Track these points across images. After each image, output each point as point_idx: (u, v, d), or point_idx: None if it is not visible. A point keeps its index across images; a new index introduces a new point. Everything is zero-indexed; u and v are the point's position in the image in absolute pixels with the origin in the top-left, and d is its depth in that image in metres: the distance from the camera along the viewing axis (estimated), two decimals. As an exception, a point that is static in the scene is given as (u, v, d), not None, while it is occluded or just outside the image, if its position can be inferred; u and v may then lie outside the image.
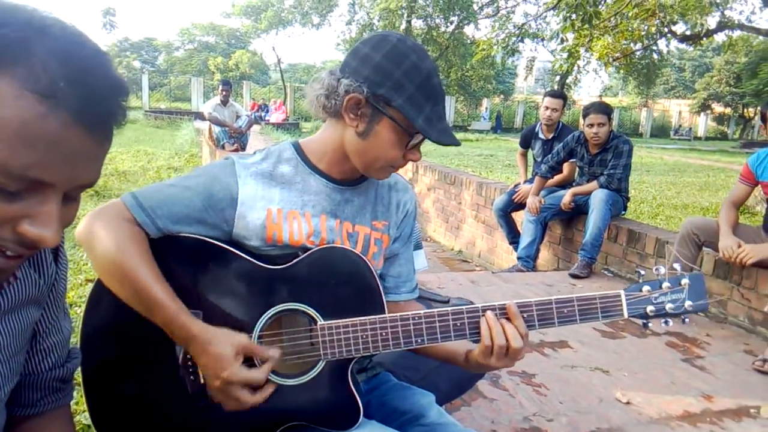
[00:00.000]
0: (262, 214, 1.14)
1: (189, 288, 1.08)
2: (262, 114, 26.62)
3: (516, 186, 4.93)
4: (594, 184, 4.17)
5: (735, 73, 31.94)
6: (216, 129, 8.39)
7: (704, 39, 8.60)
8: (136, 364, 1.12)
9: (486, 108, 35.30)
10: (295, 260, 1.12)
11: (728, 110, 36.39)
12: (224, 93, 8.18)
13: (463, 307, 1.11)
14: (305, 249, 1.15)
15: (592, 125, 4.09)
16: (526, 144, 5.16)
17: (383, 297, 1.13)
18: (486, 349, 1.09)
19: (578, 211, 4.29)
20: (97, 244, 1.03)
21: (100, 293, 1.09)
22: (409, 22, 31.60)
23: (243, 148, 8.49)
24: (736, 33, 8.78)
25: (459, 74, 33.30)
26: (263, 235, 1.14)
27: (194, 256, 1.12)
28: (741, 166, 3.26)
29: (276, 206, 1.15)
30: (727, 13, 7.89)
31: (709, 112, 36.97)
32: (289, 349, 1.11)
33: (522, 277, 4.16)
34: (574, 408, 2.25)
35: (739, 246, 2.92)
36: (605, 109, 4.15)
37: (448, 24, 31.93)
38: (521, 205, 4.64)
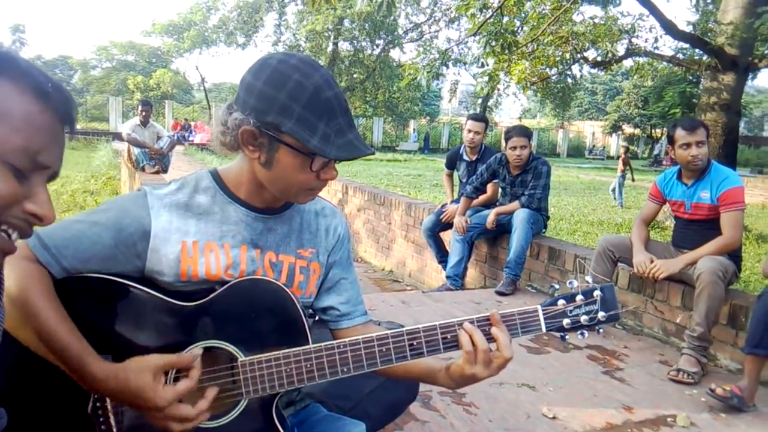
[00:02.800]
0: (176, 247, 1.09)
1: (97, 331, 1.01)
2: (185, 134, 25.91)
3: (443, 206, 5.02)
4: (516, 203, 4.31)
5: (642, 96, 34.16)
6: (135, 150, 8.06)
7: (614, 64, 9.15)
8: (48, 422, 1.02)
9: (414, 129, 35.99)
10: (211, 295, 1.07)
11: (637, 131, 38.81)
12: (144, 113, 7.88)
13: (388, 331, 1.10)
14: (223, 282, 1.10)
15: (514, 148, 4.24)
16: (451, 165, 5.27)
17: (307, 327, 1.10)
18: (469, 356, 1.08)
19: (502, 230, 4.41)
20: None
21: (4, 344, 0.99)
22: (336, 44, 31.91)
23: (165, 171, 8.19)
24: (643, 59, 9.40)
25: (386, 96, 33.85)
26: (177, 270, 1.08)
27: (101, 296, 1.05)
28: (650, 184, 3.46)
29: (191, 238, 1.10)
30: (635, 40, 8.43)
31: (620, 132, 39.28)
32: (209, 388, 1.05)
33: (451, 296, 4.22)
34: (503, 426, 2.28)
35: (651, 261, 3.08)
36: (526, 132, 4.32)
37: (375, 47, 32.51)
38: (449, 225, 4.72)
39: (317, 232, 1.24)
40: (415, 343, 1.09)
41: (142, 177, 7.42)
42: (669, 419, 2.40)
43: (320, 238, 1.24)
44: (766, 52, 7.46)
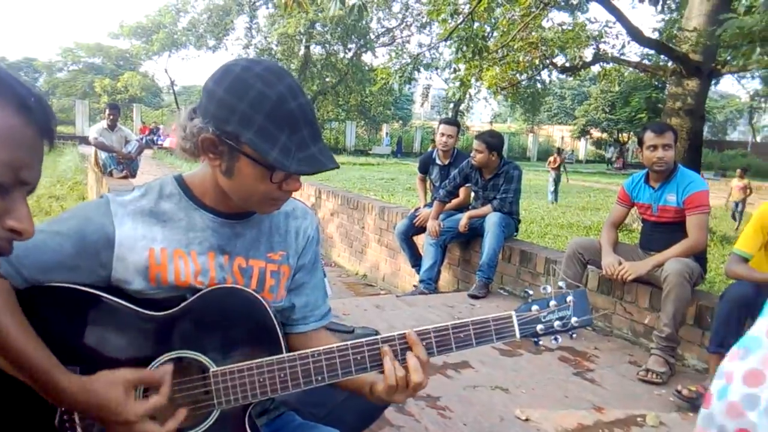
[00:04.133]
0: (143, 255, 1.06)
1: (64, 342, 0.98)
2: (154, 138, 25.51)
3: (416, 210, 5.04)
4: (488, 207, 4.36)
5: (610, 101, 34.84)
6: (102, 155, 7.89)
7: (582, 70, 9.33)
8: None
9: (386, 133, 36.07)
10: (182, 304, 1.05)
11: (605, 135, 39.57)
12: (111, 117, 7.72)
13: (363, 339, 1.09)
14: (194, 289, 1.08)
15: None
16: (424, 170, 5.30)
17: (281, 336, 1.09)
18: (390, 388, 1.07)
19: (474, 233, 4.44)
20: None
21: None
22: (307, 47, 31.80)
23: (133, 175, 8.04)
24: (610, 65, 9.60)
25: (359, 100, 33.87)
26: (146, 276, 1.06)
27: (68, 306, 1.01)
28: (618, 187, 3.53)
29: (159, 245, 1.08)
30: (602, 46, 8.62)
31: (588, 137, 40.01)
32: (180, 401, 1.03)
33: (425, 299, 4.23)
34: (477, 429, 2.29)
35: (620, 263, 3.14)
36: (484, 138, 4.37)
37: (347, 51, 32.50)
38: (422, 229, 4.74)
39: (287, 235, 1.22)
40: (389, 351, 1.08)
41: (109, 182, 7.27)
42: (639, 419, 2.45)
43: (290, 240, 1.23)
44: (728, 58, 7.69)
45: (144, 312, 1.03)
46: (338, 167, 1.08)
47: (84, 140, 18.62)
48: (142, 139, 9.64)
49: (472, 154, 4.39)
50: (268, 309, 1.08)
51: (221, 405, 1.03)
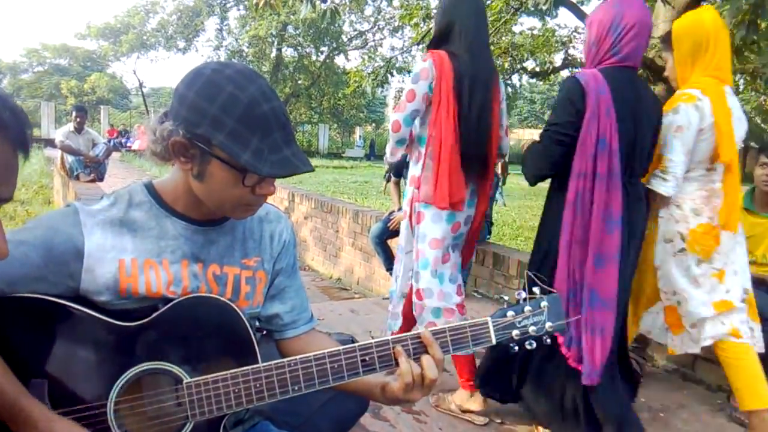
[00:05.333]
0: (113, 266, 1.03)
1: (31, 355, 0.95)
2: (123, 141, 25.06)
3: (391, 213, 5.03)
4: (463, 210, 4.37)
5: (578, 106, 35.44)
6: (69, 158, 7.71)
7: (552, 75, 9.47)
8: None
9: (360, 136, 36.04)
10: (154, 314, 1.03)
11: (574, 139, 40.20)
12: (79, 119, 7.55)
13: (340, 348, 1.08)
14: (166, 300, 1.06)
15: None
16: (398, 173, 5.30)
17: (256, 344, 1.07)
18: (407, 386, 1.07)
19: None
20: None
21: None
22: (279, 50, 31.62)
23: (101, 179, 7.88)
24: (579, 69, 9.78)
25: (332, 102, 33.78)
26: (116, 288, 1.03)
27: (34, 317, 0.98)
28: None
29: (129, 256, 1.05)
30: (571, 52, 8.76)
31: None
32: (153, 413, 1.01)
33: (398, 303, 4.22)
34: (452, 433, 2.30)
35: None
36: None
37: (319, 53, 32.39)
38: (396, 232, 4.73)
39: (261, 239, 1.21)
40: (367, 359, 1.07)
41: (76, 186, 7.11)
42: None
43: (265, 245, 1.21)
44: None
45: (114, 323, 1.00)
46: (312, 170, 1.07)
47: (50, 143, 18.16)
48: (109, 141, 9.45)
49: None
50: (243, 317, 1.07)
51: (195, 417, 1.01)
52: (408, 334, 1.10)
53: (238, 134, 0.96)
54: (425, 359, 1.07)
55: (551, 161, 2.12)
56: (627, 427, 2.06)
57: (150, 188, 1.12)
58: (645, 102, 2.11)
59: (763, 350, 2.32)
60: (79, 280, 1.02)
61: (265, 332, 1.32)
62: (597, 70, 2.07)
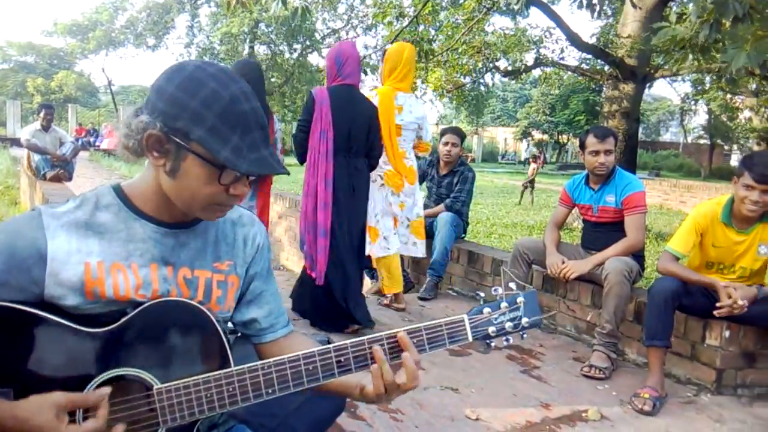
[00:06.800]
0: (78, 269, 1.01)
1: None
2: (91, 140, 24.54)
3: (365, 212, 5.04)
4: (441, 206, 4.48)
5: (550, 104, 35.87)
6: (36, 157, 7.52)
7: (524, 74, 9.57)
8: None
9: (333, 134, 35.83)
10: (122, 319, 1.00)
11: (546, 137, 40.72)
12: (47, 117, 7.38)
13: (315, 350, 1.07)
14: (135, 304, 1.03)
15: (447, 143, 4.55)
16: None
17: (228, 349, 1.06)
18: (380, 395, 1.08)
19: (426, 233, 4.48)
20: None
21: None
22: (252, 47, 31.29)
23: (69, 178, 7.70)
24: (550, 69, 9.88)
25: (305, 101, 33.56)
26: (82, 291, 1.01)
27: None
28: (559, 187, 3.64)
29: (95, 259, 1.02)
30: (542, 51, 8.86)
31: (530, 138, 41.09)
32: (123, 420, 0.98)
33: (375, 301, 4.22)
34: (428, 430, 2.30)
35: (563, 262, 3.23)
36: (459, 132, 4.66)
37: (293, 51, 32.15)
38: (370, 232, 4.75)
39: (234, 243, 1.19)
40: (342, 360, 1.06)
41: (43, 186, 6.93)
42: (583, 414, 2.52)
43: (238, 248, 1.19)
44: (661, 63, 8.05)
45: (82, 329, 0.97)
46: (288, 174, 1.07)
47: (15, 142, 17.71)
48: (77, 140, 9.23)
49: (447, 149, 4.52)
50: (215, 322, 1.05)
51: (167, 423, 0.99)
52: (384, 333, 1.10)
53: (218, 130, 0.96)
54: (402, 370, 1.08)
55: (299, 143, 3.34)
56: (357, 308, 3.30)
57: (118, 190, 1.09)
58: (359, 106, 3.31)
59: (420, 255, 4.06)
60: (44, 284, 0.99)
61: (239, 334, 1.30)
62: (326, 87, 3.30)
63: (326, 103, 3.22)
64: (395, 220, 3.80)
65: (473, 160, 14.35)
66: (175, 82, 0.97)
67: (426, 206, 4.61)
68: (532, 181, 13.01)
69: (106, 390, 0.95)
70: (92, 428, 0.92)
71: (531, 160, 15.37)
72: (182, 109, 0.96)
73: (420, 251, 4.01)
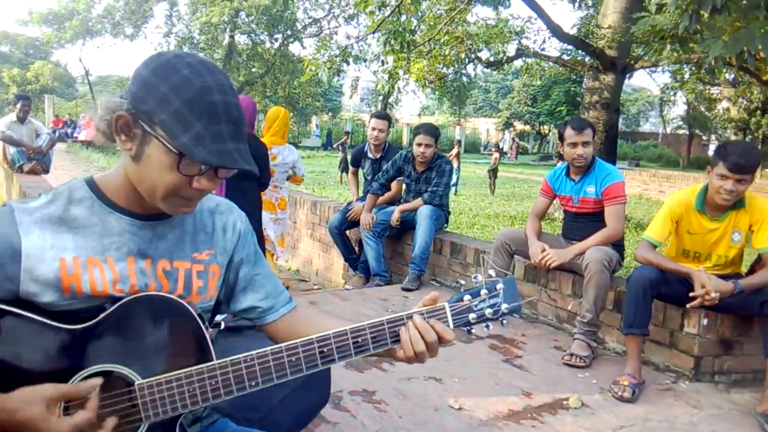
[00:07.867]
0: (53, 265, 0.99)
1: None
2: (69, 131, 24.13)
3: (349, 204, 5.02)
4: (419, 201, 4.42)
5: (532, 95, 36.05)
6: (11, 150, 7.37)
7: (505, 64, 9.58)
8: None
9: (316, 125, 35.73)
10: (101, 315, 0.99)
11: (528, 127, 40.95)
12: (23, 109, 7.23)
13: (298, 341, 1.07)
14: (114, 299, 1.02)
15: (420, 144, 4.35)
16: (356, 163, 5.29)
17: (210, 342, 1.05)
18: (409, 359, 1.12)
19: (406, 226, 4.49)
20: None
21: None
22: (232, 37, 30.93)
23: (46, 171, 7.56)
24: (531, 59, 9.92)
25: (287, 91, 33.29)
26: (59, 288, 0.99)
27: None
28: (541, 178, 3.67)
29: (70, 254, 1.01)
30: (524, 42, 8.86)
31: (512, 129, 41.30)
32: (105, 416, 0.97)
33: (359, 293, 4.24)
34: (412, 421, 2.32)
35: (544, 250, 3.27)
36: (433, 132, 4.42)
37: (274, 41, 31.85)
38: (355, 223, 4.73)
39: (214, 232, 1.17)
40: (326, 350, 1.06)
41: (21, 179, 6.81)
42: (564, 402, 2.56)
43: (217, 237, 1.18)
44: (641, 53, 8.12)
45: (60, 326, 0.96)
46: (256, 173, 1.04)
47: (-11, 134, 17.32)
48: (54, 132, 9.06)
49: (420, 150, 4.34)
50: (195, 314, 1.04)
51: (149, 418, 0.99)
52: (367, 323, 1.10)
53: (182, 116, 0.94)
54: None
55: None
56: None
57: (91, 184, 1.07)
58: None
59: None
60: (19, 281, 0.98)
61: (222, 328, 1.30)
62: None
63: None
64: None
65: (458, 155, 14.30)
66: (150, 67, 0.98)
67: (406, 201, 4.62)
68: (494, 170, 13.07)
69: (97, 381, 0.94)
70: (83, 420, 0.91)
71: (494, 149, 15.54)
72: (151, 93, 0.95)
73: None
